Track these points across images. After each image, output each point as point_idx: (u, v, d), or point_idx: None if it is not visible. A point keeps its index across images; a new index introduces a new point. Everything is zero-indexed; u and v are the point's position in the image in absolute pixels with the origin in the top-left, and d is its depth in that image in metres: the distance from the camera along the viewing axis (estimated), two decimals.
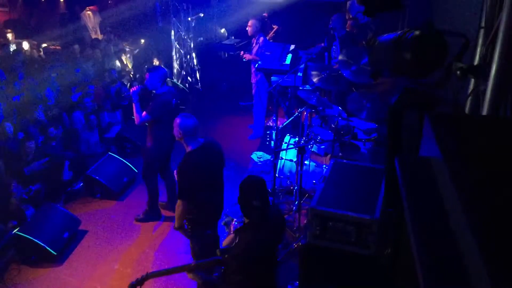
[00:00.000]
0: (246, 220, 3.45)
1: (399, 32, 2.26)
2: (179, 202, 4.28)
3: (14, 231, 5.48)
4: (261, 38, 8.08)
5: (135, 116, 5.72)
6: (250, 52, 8.26)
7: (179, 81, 10.64)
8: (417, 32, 2.10)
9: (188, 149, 4.30)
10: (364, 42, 7.37)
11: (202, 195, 4.32)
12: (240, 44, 9.74)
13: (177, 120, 4.31)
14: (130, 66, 11.17)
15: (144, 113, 5.63)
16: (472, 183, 1.21)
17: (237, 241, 3.41)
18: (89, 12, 13.42)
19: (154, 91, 5.75)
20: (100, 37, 12.94)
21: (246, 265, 3.31)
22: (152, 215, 6.27)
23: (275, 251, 3.71)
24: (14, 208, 5.79)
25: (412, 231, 1.36)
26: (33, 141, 6.50)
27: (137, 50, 11.76)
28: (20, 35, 12.34)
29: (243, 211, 3.42)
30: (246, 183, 3.42)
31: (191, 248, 4.60)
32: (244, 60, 8.28)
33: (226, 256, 3.41)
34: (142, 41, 11.92)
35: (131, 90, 5.71)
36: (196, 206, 4.33)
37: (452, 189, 1.24)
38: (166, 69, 5.85)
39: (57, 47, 11.90)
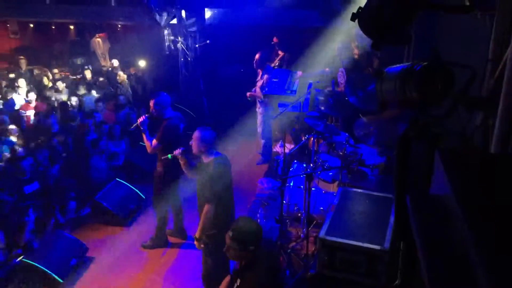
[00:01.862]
0: (244, 262, 3.40)
1: (407, 64, 2.28)
2: (206, 207, 4.38)
3: (19, 258, 5.47)
4: (266, 76, 8.11)
5: (147, 145, 5.75)
6: (261, 87, 8.32)
7: (186, 106, 10.71)
8: (424, 64, 2.12)
9: (210, 157, 4.48)
10: (370, 69, 7.44)
11: (224, 204, 4.46)
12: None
13: (199, 134, 4.48)
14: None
15: (154, 141, 5.65)
16: (484, 223, 1.21)
17: (238, 284, 3.37)
18: (98, 39, 13.67)
19: (161, 117, 5.79)
20: (108, 63, 13.16)
21: None
22: (159, 242, 6.24)
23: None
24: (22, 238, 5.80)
25: (425, 269, 1.36)
26: (27, 161, 6.52)
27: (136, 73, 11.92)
28: (31, 62, 12.57)
29: (241, 255, 3.36)
30: (251, 229, 3.36)
31: (204, 265, 4.66)
32: (249, 99, 8.37)
33: None
34: (143, 63, 12.05)
35: (138, 121, 5.73)
36: (220, 217, 4.42)
37: (465, 229, 1.24)
38: (168, 95, 5.88)
39: (67, 74, 12.09)
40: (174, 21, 10.29)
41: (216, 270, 4.57)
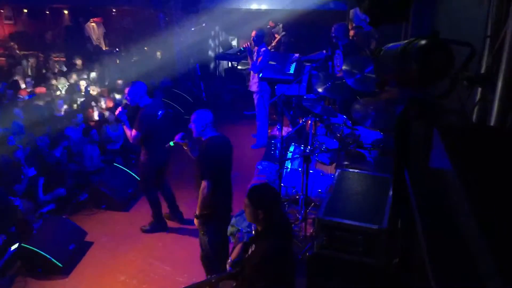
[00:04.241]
0: (259, 228, 3.42)
1: (405, 42, 2.26)
2: (203, 184, 4.35)
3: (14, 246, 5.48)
4: (263, 49, 8.10)
5: (128, 136, 5.78)
6: (253, 63, 8.28)
7: (183, 91, 10.67)
8: (422, 42, 2.10)
9: (207, 136, 4.51)
10: (367, 51, 7.39)
11: (221, 182, 4.47)
12: (242, 54, 9.79)
13: (197, 114, 4.49)
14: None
15: (133, 131, 5.65)
16: (483, 194, 1.21)
17: (253, 249, 3.38)
18: (93, 24, 13.54)
19: (138, 106, 5.74)
20: (104, 48, 13.05)
21: (267, 271, 3.25)
22: (158, 226, 6.27)
23: (292, 256, 3.67)
24: (19, 221, 5.80)
25: (424, 241, 1.36)
26: (20, 150, 6.51)
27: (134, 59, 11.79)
28: (26, 48, 12.47)
29: (256, 217, 3.35)
30: (267, 193, 3.40)
31: (202, 246, 4.68)
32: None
33: (238, 269, 3.40)
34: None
35: (116, 113, 5.75)
36: (216, 197, 4.43)
37: (463, 200, 1.23)
38: (143, 83, 5.85)
39: (62, 59, 12.00)
40: None
41: (213, 251, 4.61)
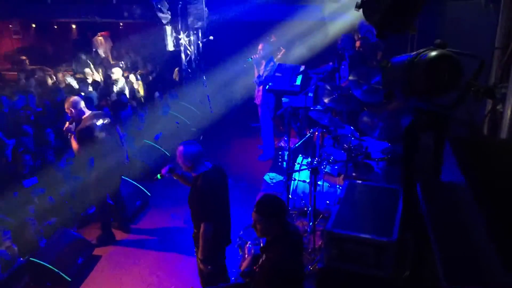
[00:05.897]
0: (269, 238, 3.40)
1: (413, 53, 2.25)
2: (203, 227, 4.08)
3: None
4: (271, 63, 8.12)
5: (73, 148, 5.90)
6: (258, 76, 8.30)
7: (189, 104, 10.71)
8: (431, 54, 2.09)
9: (199, 172, 4.17)
10: (374, 62, 7.40)
11: (219, 217, 4.27)
12: (248, 66, 9.84)
13: (182, 150, 4.14)
14: (141, 92, 11.28)
15: (75, 143, 5.80)
16: (496, 208, 1.19)
17: (263, 258, 3.36)
18: (100, 38, 13.68)
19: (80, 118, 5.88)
20: (111, 62, 13.17)
21: (278, 281, 3.22)
22: (106, 237, 6.37)
23: (302, 266, 3.64)
24: (28, 237, 5.81)
25: (438, 254, 1.34)
26: (30, 154, 6.60)
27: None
28: (34, 62, 12.59)
29: (267, 228, 3.35)
30: (274, 201, 3.41)
31: (201, 274, 4.51)
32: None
33: (248, 279, 3.38)
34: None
35: (64, 129, 5.90)
36: (214, 229, 4.20)
37: (477, 214, 1.22)
38: (76, 97, 5.99)
39: (70, 73, 12.09)
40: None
41: (212, 279, 4.36)
